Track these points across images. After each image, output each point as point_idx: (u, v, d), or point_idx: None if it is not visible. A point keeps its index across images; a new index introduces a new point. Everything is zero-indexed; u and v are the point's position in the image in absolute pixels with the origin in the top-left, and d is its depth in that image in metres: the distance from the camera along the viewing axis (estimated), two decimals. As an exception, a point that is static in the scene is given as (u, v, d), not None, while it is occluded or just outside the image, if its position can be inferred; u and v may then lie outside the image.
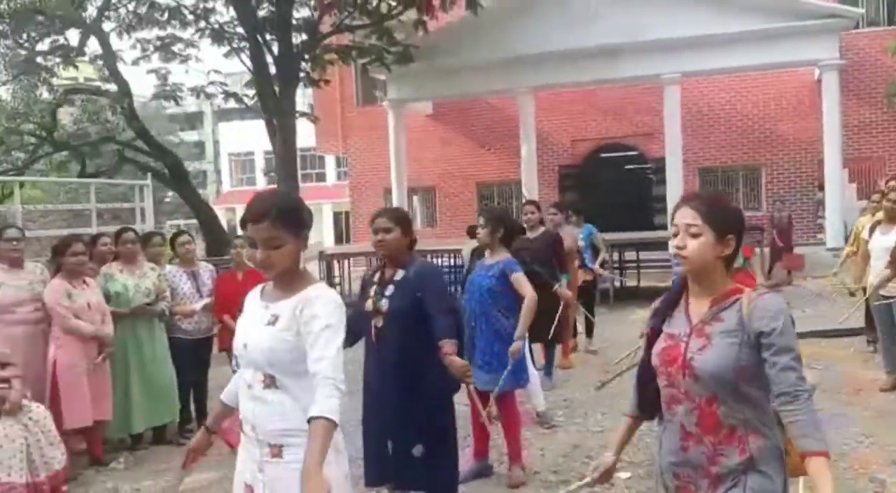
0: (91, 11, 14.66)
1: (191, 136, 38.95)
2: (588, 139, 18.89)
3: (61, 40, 15.12)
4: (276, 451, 2.31)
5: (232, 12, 14.45)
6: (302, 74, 14.97)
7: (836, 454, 4.69)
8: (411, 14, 14.49)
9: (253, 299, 2.50)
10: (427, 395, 3.71)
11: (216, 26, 14.59)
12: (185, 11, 14.47)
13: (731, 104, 17.90)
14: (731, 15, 14.14)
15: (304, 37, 14.82)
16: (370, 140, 19.77)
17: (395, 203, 16.96)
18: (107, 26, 14.72)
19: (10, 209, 6.80)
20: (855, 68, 16.23)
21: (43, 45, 15.14)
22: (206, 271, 6.25)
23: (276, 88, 14.21)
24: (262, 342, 2.32)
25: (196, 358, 5.97)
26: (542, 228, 6.69)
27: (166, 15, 14.32)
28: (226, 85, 15.37)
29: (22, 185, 10.17)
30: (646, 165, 18.42)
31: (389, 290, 3.69)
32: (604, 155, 18.89)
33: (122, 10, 14.37)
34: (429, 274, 3.78)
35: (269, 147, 37.49)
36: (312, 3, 15.21)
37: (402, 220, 3.75)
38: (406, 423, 3.63)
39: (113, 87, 15.43)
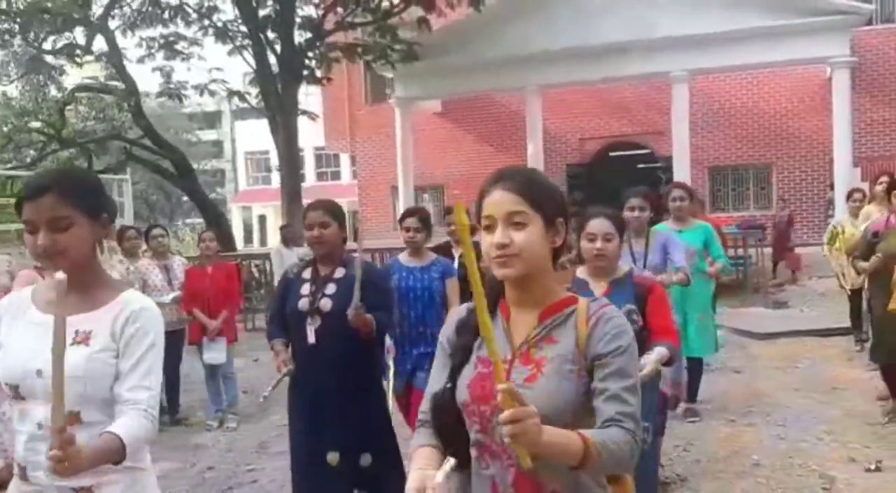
0: (97, 10, 14.75)
1: (209, 134, 39.22)
2: (596, 137, 18.72)
3: (68, 39, 15.29)
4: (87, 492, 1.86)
5: (235, 10, 14.51)
6: (305, 72, 15.00)
7: (793, 450, 4.60)
8: (416, 12, 14.48)
9: (20, 308, 1.95)
10: (374, 398, 3.56)
11: (219, 24, 14.65)
12: (189, 9, 14.57)
13: (741, 102, 17.65)
14: (740, 11, 13.93)
15: (308, 35, 14.85)
16: (378, 138, 19.75)
17: (401, 201, 16.97)
18: (112, 24, 14.83)
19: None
20: (868, 66, 15.94)
21: (49, 44, 15.33)
22: (178, 264, 6.31)
23: (279, 86, 14.26)
24: (75, 369, 1.77)
25: (167, 351, 5.96)
26: None
27: (170, 13, 14.44)
28: (227, 82, 15.42)
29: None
30: (656, 163, 18.20)
31: (331, 288, 3.47)
32: (613, 153, 18.72)
33: (127, 9, 14.43)
34: (375, 274, 3.60)
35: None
36: (316, 0, 15.25)
37: (338, 214, 3.56)
38: (352, 429, 3.40)
39: (120, 85, 15.57)
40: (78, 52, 15.28)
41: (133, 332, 1.89)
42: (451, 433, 1.68)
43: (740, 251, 12.05)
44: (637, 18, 14.46)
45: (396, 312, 4.37)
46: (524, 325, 1.67)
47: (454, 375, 1.69)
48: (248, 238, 36.96)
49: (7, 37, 14.80)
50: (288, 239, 9.96)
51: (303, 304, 3.48)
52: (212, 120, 39.46)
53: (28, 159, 15.88)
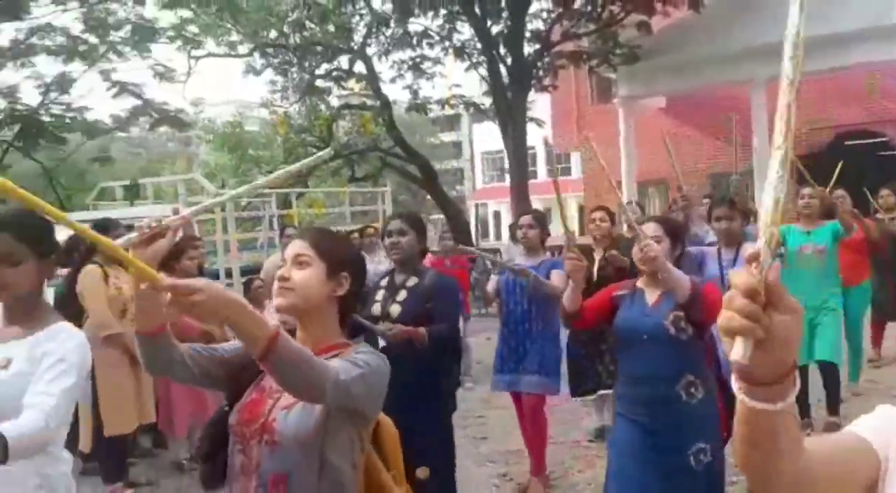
0: (358, 39, 17.22)
1: (450, 136, 42.16)
2: (826, 127, 18.36)
3: (335, 65, 17.96)
4: None
5: (471, 31, 16.32)
6: (533, 81, 16.49)
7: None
8: (637, 17, 15.41)
9: None
10: (437, 409, 3.54)
11: (458, 44, 16.55)
12: (433, 33, 16.62)
13: None
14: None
15: (536, 47, 16.30)
16: (603, 136, 20.74)
17: (624, 197, 17.89)
18: (370, 51, 17.25)
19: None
20: None
21: (322, 71, 18.09)
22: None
23: (509, 95, 15.87)
24: None
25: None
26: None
27: (417, 38, 16.58)
28: (463, 96, 17.31)
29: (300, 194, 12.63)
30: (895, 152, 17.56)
31: (402, 295, 3.56)
32: (848, 143, 18.24)
33: (382, 37, 16.73)
34: (443, 286, 3.59)
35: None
36: (545, 15, 16.65)
37: (416, 223, 3.58)
38: (412, 439, 3.43)
39: (376, 102, 18.02)
40: (343, 76, 17.89)
41: (47, 350, 2.04)
42: (216, 451, 1.93)
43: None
44: (868, 4, 14.21)
45: (504, 306, 4.83)
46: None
47: (234, 401, 1.90)
48: (484, 233, 39.38)
49: (287, 67, 17.67)
50: (515, 236, 11.42)
51: (375, 308, 3.60)
52: (452, 123, 42.26)
53: (305, 170, 18.83)
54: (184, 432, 5.69)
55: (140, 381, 5.25)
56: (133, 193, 7.88)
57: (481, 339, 9.46)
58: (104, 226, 5.34)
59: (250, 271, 7.43)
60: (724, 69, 16.13)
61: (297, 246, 1.93)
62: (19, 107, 12.71)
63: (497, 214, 40.46)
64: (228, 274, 7.36)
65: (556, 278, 4.50)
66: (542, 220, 5.07)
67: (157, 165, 35.96)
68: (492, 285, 5.09)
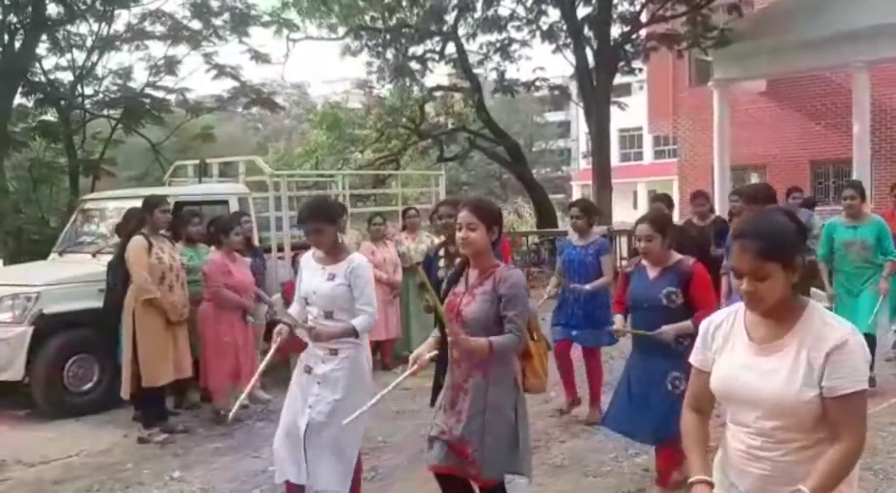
0: (449, 21, 17.59)
1: (557, 116, 41.94)
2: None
3: (428, 47, 18.41)
4: (334, 351, 3.90)
5: (558, 13, 16.39)
6: (621, 63, 16.40)
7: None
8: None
9: (308, 261, 4.07)
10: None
11: (544, 27, 16.68)
12: (521, 16, 16.81)
13: None
14: None
15: (623, 29, 16.20)
16: (699, 120, 20.32)
17: (716, 182, 17.55)
18: (460, 33, 17.59)
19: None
20: None
21: (417, 51, 18.60)
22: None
23: (594, 79, 15.87)
24: (329, 292, 3.87)
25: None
26: (712, 216, 7.64)
27: (504, 21, 16.81)
28: (547, 80, 17.44)
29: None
30: None
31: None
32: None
33: (469, 20, 17.05)
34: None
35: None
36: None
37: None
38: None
39: (466, 83, 18.38)
40: (434, 57, 18.33)
41: (355, 272, 3.90)
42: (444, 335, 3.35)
43: None
44: None
45: (564, 279, 6.01)
46: (473, 276, 3.38)
47: (443, 299, 3.43)
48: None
49: (380, 49, 18.27)
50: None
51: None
52: (559, 103, 42.06)
53: (396, 149, 19.47)
54: (220, 388, 6.32)
55: (176, 340, 5.92)
56: (202, 171, 8.61)
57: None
58: (155, 203, 6.01)
59: (301, 246, 7.99)
60: (823, 52, 15.50)
61: (465, 215, 3.30)
62: (124, 88, 13.86)
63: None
64: (280, 248, 7.95)
65: (605, 263, 5.88)
66: (588, 209, 6.17)
67: (271, 141, 37.76)
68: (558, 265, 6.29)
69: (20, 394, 6.75)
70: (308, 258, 4.07)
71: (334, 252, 3.97)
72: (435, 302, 3.43)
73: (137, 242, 5.78)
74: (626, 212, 31.28)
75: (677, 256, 4.39)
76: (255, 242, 7.86)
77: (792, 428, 2.07)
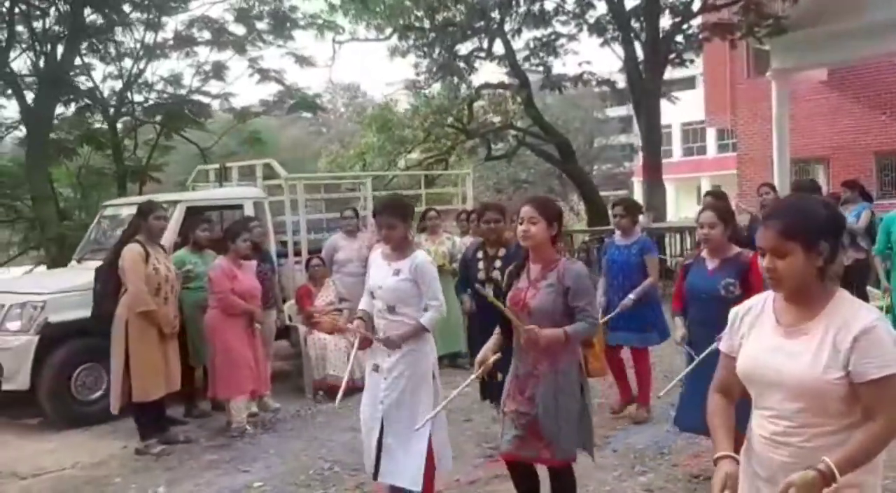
0: (494, 17, 17.26)
1: (619, 111, 40.94)
2: None
3: (475, 44, 18.11)
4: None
5: (605, 6, 15.87)
6: (672, 55, 15.78)
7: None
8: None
9: (375, 258, 4.27)
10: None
11: (591, 21, 16.17)
12: (568, 9, 16.35)
13: None
14: None
15: (675, 20, 15.57)
16: (758, 112, 19.47)
17: (775, 175, 16.75)
18: (507, 28, 17.21)
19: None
20: None
21: (465, 49, 18.31)
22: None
23: (643, 71, 15.31)
24: (393, 286, 4.04)
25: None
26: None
27: (550, 15, 16.37)
28: (594, 74, 16.92)
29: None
30: None
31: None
32: None
33: (514, 15, 16.67)
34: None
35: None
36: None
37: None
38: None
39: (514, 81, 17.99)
40: (481, 55, 18.02)
41: (420, 269, 4.05)
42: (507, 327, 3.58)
43: None
44: None
45: (605, 279, 6.02)
46: (535, 270, 3.52)
47: (507, 291, 3.63)
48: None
49: (426, 48, 18.06)
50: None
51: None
52: (621, 98, 41.18)
53: (444, 149, 19.23)
54: (230, 398, 6.16)
55: (168, 354, 5.79)
56: (222, 176, 8.55)
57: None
58: (149, 209, 5.91)
59: (317, 250, 7.86)
60: (886, 38, 14.60)
61: (527, 209, 3.49)
62: (170, 95, 14.01)
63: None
64: (297, 253, 7.82)
65: (649, 264, 5.85)
66: (632, 208, 6.10)
67: (334, 143, 37.98)
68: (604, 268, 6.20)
69: (33, 403, 6.74)
70: (376, 255, 4.26)
71: (402, 248, 4.14)
72: (498, 303, 3.56)
73: (134, 250, 5.66)
74: (691, 207, 30.37)
75: (736, 248, 4.44)
76: (272, 246, 7.77)
77: (815, 411, 2.07)
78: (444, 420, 4.34)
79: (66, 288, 6.67)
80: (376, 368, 4.16)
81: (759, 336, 2.21)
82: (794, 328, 2.14)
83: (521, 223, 3.54)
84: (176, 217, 7.11)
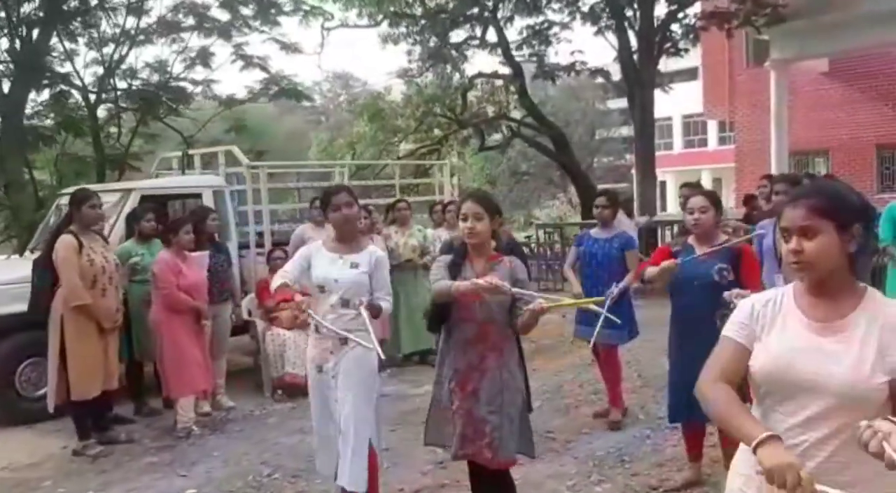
0: (486, 4, 16.89)
1: (620, 103, 40.47)
2: None
3: (468, 33, 17.74)
4: (343, 340, 3.79)
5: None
6: (668, 44, 15.39)
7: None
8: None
9: (318, 249, 3.97)
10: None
11: (585, 9, 15.79)
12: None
13: None
14: None
15: (671, 8, 15.18)
16: (758, 103, 19.08)
17: (773, 167, 16.37)
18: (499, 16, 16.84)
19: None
20: None
21: (457, 38, 17.94)
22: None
23: (636, 60, 14.94)
24: (352, 279, 3.83)
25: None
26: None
27: (543, 3, 16.00)
28: (586, 63, 16.56)
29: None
30: None
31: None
32: None
33: (507, 2, 16.29)
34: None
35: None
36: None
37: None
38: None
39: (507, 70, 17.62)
40: (474, 43, 17.66)
41: (375, 261, 3.90)
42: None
43: None
44: None
45: (580, 273, 5.77)
46: (479, 265, 3.42)
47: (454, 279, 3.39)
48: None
49: (417, 37, 17.71)
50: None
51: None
52: (622, 89, 40.80)
53: (437, 139, 18.91)
54: (179, 396, 5.87)
55: (107, 349, 5.50)
56: (185, 164, 8.24)
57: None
58: (82, 197, 5.58)
59: (282, 243, 7.56)
60: (889, 27, 14.21)
61: (470, 206, 3.39)
62: (148, 82, 13.69)
63: (662, 184, 38.48)
64: (259, 244, 7.53)
65: (630, 259, 5.53)
66: (614, 199, 5.76)
67: (333, 132, 37.62)
68: (571, 257, 5.99)
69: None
70: (318, 246, 4.00)
71: (355, 240, 4.02)
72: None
73: (66, 241, 5.35)
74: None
75: (723, 235, 4.38)
76: (233, 236, 7.47)
77: (852, 419, 1.75)
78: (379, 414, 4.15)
79: (11, 279, 6.36)
80: (320, 369, 3.94)
81: (784, 334, 1.94)
82: (829, 324, 1.89)
83: (464, 220, 3.43)
84: (129, 206, 6.79)
